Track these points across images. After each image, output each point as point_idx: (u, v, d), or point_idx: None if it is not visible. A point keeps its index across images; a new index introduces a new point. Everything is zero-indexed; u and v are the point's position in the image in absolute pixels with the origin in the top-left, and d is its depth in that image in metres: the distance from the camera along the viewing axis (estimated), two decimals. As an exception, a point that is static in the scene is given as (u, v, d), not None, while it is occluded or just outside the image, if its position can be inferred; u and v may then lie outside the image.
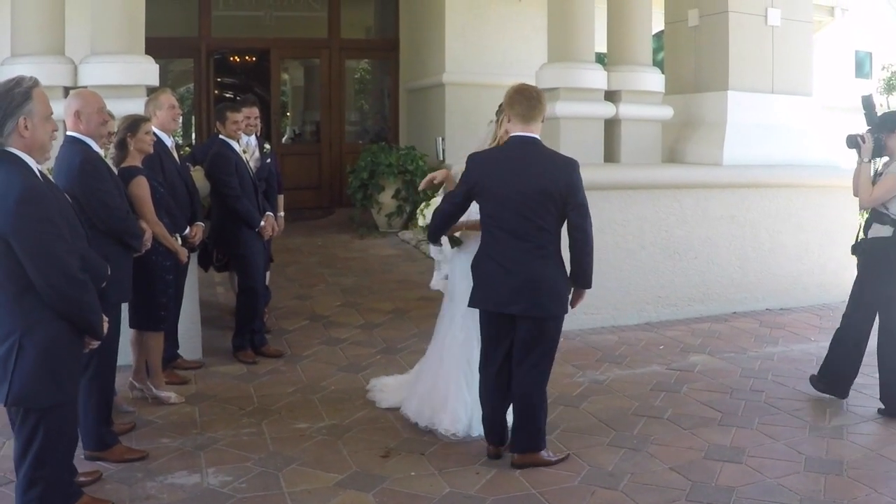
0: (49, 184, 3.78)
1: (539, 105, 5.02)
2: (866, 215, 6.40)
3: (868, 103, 6.28)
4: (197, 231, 6.60)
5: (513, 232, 4.94)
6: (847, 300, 6.40)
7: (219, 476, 4.95)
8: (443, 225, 5.31)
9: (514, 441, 5.16)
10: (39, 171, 3.71)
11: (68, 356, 3.69)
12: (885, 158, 6.17)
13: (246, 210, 7.06)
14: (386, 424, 5.82)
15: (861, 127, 6.28)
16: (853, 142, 6.24)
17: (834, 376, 6.36)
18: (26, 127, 3.58)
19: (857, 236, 6.32)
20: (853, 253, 6.38)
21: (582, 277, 5.06)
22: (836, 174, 9.69)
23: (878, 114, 6.29)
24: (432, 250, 6.10)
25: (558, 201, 4.89)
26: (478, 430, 5.45)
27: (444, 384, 5.68)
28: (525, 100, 5.01)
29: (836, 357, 6.35)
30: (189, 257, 6.58)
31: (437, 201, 5.53)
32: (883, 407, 6.10)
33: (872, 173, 6.18)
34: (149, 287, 5.78)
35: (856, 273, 6.39)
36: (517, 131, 5.02)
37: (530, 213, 4.89)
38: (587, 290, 5.16)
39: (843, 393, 6.34)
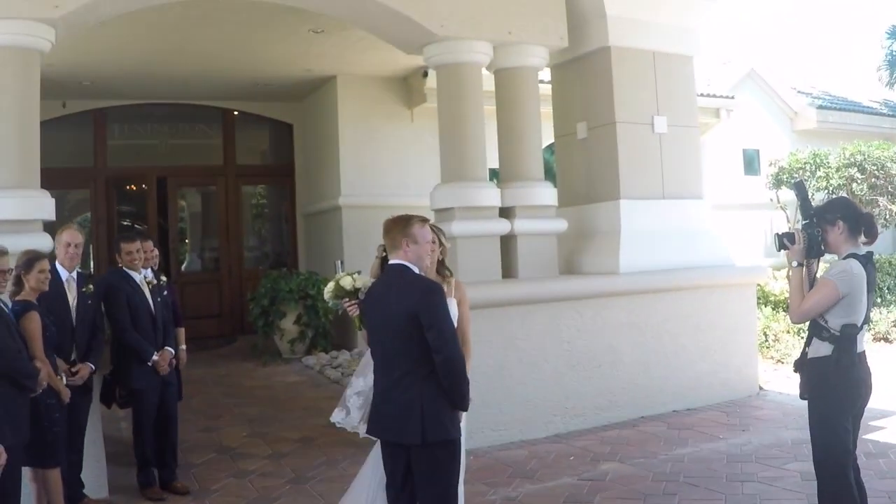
0: None
1: (389, 233, 4.95)
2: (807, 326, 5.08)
3: (801, 190, 5.18)
4: (82, 370, 6.43)
5: (384, 358, 4.86)
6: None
7: None
8: None
9: None
10: None
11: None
12: (833, 257, 5.03)
13: (135, 342, 6.91)
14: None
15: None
16: (780, 243, 5.05)
17: None
18: None
19: (803, 350, 5.10)
20: (795, 370, 5.17)
21: (455, 400, 4.76)
22: (731, 273, 10.03)
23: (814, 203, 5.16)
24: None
25: (415, 323, 4.65)
26: None
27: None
28: (385, 232, 5.00)
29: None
30: (91, 395, 6.43)
31: (347, 280, 5.75)
32: None
33: (815, 275, 5.07)
34: (35, 425, 5.54)
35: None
36: (391, 260, 4.98)
37: (395, 338, 4.76)
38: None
39: None
